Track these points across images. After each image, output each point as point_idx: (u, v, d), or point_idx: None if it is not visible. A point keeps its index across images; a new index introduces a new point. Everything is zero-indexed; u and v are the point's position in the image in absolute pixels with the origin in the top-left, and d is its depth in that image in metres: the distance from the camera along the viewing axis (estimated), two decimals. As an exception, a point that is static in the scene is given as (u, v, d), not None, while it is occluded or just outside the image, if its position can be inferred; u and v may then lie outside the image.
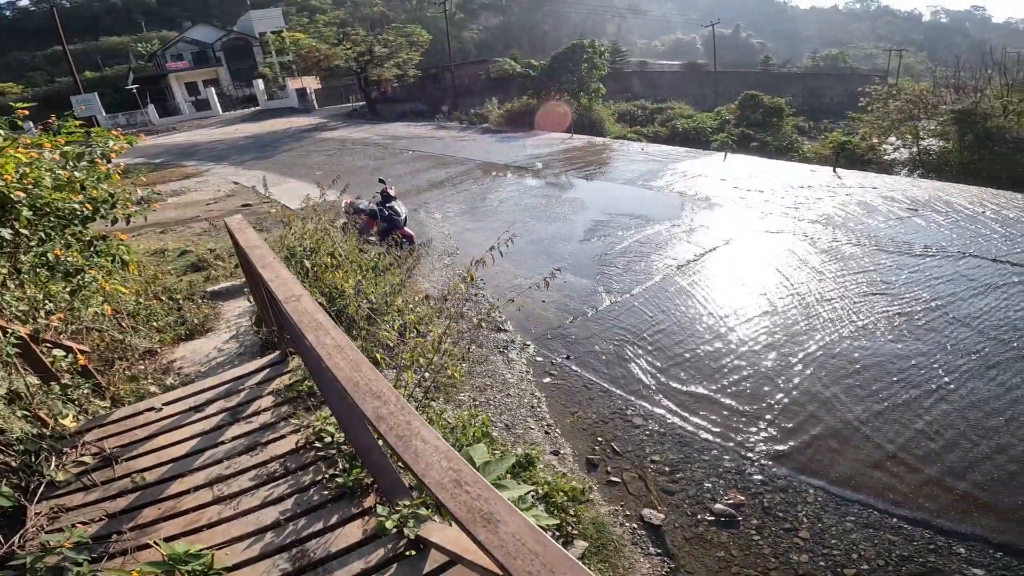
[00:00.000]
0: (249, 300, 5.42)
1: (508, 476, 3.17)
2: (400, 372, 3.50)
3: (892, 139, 20.07)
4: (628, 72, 38.69)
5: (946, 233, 7.73)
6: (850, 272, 6.65)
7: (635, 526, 3.38)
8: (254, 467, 2.92)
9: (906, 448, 3.97)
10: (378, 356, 4.05)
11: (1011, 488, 3.58)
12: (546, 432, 4.24)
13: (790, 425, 4.26)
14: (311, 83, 37.54)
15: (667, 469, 3.86)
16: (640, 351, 5.28)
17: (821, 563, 3.16)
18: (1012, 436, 4.00)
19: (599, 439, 4.15)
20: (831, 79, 47.91)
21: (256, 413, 3.38)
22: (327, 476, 2.77)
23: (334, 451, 2.92)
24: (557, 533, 3.06)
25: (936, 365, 4.82)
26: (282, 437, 3.11)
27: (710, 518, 3.46)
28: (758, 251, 7.48)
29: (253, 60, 43.27)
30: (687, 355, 5.17)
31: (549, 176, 12.98)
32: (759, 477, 3.79)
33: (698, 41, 72.03)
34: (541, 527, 3.02)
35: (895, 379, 4.67)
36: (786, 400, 4.52)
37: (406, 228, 7.76)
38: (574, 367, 5.11)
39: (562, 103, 22.85)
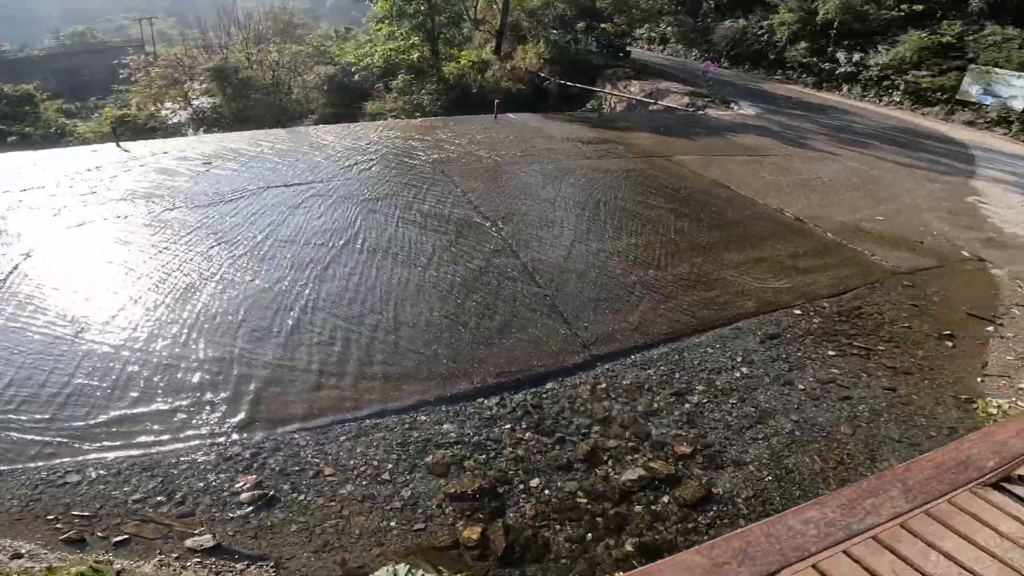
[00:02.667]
0: None
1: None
2: None
3: (169, 104, 20.42)
4: None
5: (244, 175, 8.71)
6: (184, 234, 6.58)
7: (198, 559, 3.03)
8: None
9: (324, 362, 4.52)
10: None
11: (399, 354, 4.63)
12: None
13: (230, 394, 4.20)
14: None
15: (162, 498, 3.41)
16: (8, 414, 3.94)
17: (364, 482, 3.49)
18: (375, 313, 5.11)
19: (54, 517, 3.33)
20: (85, 56, 44.22)
21: None
22: None
23: None
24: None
25: (291, 283, 5.53)
26: None
27: (251, 508, 3.30)
28: (72, 251, 6.23)
29: None
30: (67, 389, 4.17)
31: None
32: (248, 452, 3.70)
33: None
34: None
35: (274, 309, 5.14)
36: (208, 376, 4.36)
37: None
38: None
39: None
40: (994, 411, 4.65)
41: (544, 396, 4.36)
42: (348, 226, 6.81)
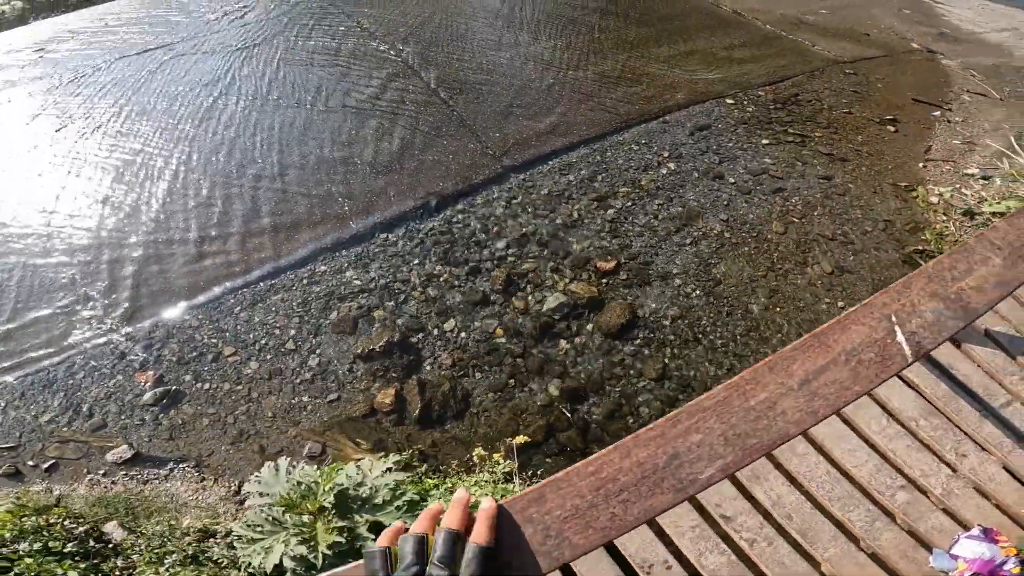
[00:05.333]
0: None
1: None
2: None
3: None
4: None
5: (86, 52, 7.26)
6: (19, 127, 5.54)
7: (124, 471, 2.95)
8: None
9: (204, 226, 4.05)
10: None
11: (287, 201, 4.19)
12: None
13: (106, 284, 3.80)
14: None
15: (71, 415, 3.20)
16: None
17: (268, 356, 3.25)
18: (256, 163, 4.56)
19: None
20: None
21: None
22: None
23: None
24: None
25: (155, 149, 4.83)
26: None
27: (158, 409, 3.14)
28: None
29: None
30: None
31: None
32: (140, 347, 3.43)
33: None
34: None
35: (139, 181, 4.52)
36: (79, 269, 3.88)
37: None
38: None
39: None
40: (935, 200, 4.41)
41: (454, 221, 3.92)
42: (219, 79, 5.80)
